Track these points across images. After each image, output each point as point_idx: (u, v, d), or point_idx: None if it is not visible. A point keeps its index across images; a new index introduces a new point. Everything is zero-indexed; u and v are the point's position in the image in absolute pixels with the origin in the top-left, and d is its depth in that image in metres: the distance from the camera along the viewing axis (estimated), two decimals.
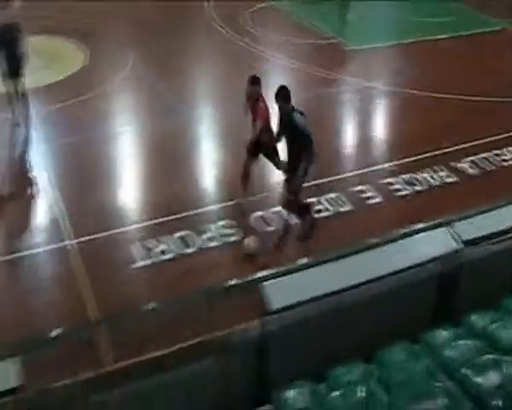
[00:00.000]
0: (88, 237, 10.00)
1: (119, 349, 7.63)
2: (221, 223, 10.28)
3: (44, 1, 19.57)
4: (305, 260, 6.75)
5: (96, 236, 10.04)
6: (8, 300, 9.03)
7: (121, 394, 6.76)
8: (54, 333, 6.64)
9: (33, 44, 16.79)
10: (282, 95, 9.34)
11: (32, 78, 14.83)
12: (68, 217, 10.51)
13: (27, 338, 7.01)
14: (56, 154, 12.71)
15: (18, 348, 6.43)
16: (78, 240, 9.97)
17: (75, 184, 11.62)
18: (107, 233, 10.11)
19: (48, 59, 16.84)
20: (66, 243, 9.97)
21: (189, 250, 9.71)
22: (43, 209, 11.12)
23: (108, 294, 8.78)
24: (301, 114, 9.47)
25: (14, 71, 12.90)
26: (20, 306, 8.81)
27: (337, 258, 6.60)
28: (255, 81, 10.18)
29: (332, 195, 10.95)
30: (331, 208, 10.68)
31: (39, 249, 9.97)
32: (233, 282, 6.93)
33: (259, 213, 10.52)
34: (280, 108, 9.43)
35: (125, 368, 7.19)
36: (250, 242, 9.53)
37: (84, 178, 11.71)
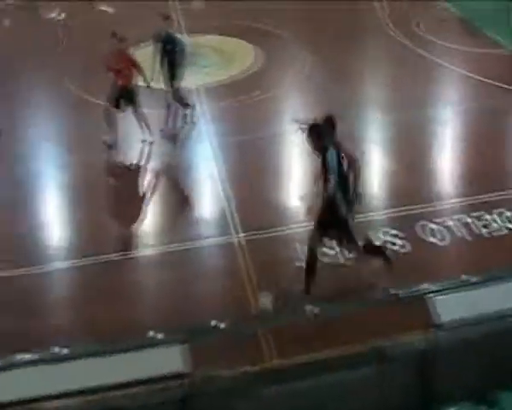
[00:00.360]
0: (254, 232, 10.28)
1: (280, 347, 7.76)
2: (393, 232, 10.14)
3: (222, 1, 20.18)
4: (475, 278, 6.59)
5: (261, 231, 10.29)
6: (173, 288, 9.44)
7: (278, 391, 6.90)
8: (219, 324, 6.90)
9: (209, 44, 17.67)
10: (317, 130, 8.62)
11: (205, 76, 15.54)
12: (236, 211, 10.85)
13: (194, 327, 7.28)
14: (226, 149, 13.09)
15: (185, 336, 6.72)
16: (244, 234, 10.26)
17: (244, 180, 11.95)
18: (273, 230, 10.33)
19: (222, 58, 17.38)
20: (233, 236, 10.30)
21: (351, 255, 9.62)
22: (212, 202, 11.58)
23: (271, 290, 8.91)
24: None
25: (173, 77, 13.63)
26: (185, 295, 9.17)
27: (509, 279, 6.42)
28: (333, 123, 8.75)
29: (508, 212, 10.53)
30: (503, 225, 10.29)
31: (206, 241, 10.36)
32: (399, 292, 6.90)
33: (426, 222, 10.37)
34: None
35: (284, 366, 7.34)
36: (265, 300, 8.81)
37: (253, 175, 12.01)
